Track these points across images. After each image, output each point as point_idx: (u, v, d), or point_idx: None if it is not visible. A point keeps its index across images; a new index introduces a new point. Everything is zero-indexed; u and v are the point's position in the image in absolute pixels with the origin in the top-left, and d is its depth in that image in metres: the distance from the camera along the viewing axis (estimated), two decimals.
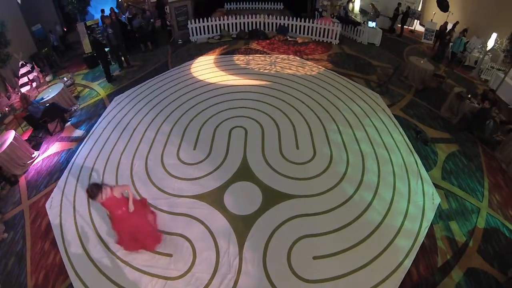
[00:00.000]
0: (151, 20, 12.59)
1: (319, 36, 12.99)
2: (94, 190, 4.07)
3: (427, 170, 6.58)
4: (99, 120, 8.20)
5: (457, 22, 12.38)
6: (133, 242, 4.75)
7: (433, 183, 6.27)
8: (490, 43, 10.76)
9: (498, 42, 10.89)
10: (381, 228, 5.28)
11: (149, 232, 4.84)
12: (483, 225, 5.59)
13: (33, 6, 11.53)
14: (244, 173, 6.29)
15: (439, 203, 5.85)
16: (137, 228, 4.63)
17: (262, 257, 4.82)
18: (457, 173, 6.66)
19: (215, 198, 5.76)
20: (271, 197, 5.75)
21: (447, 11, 13.41)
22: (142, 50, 12.37)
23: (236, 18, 13.17)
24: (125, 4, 15.21)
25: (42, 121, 7.66)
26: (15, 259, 5.08)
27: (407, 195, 5.94)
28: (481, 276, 4.79)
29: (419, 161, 6.77)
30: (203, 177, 6.22)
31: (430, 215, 5.59)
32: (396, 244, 5.05)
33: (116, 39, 10.31)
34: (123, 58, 11.01)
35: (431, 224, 5.45)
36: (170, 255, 4.87)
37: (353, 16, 14.29)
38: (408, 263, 4.80)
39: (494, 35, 10.61)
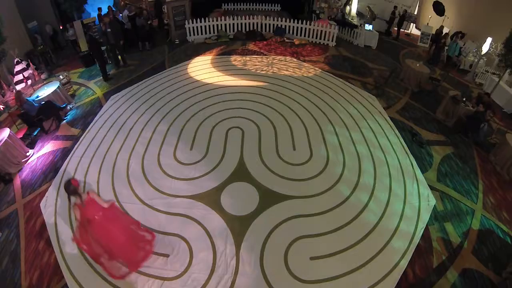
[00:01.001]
0: (148, 20, 12.55)
1: (316, 38, 13.05)
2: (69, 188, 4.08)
3: (423, 172, 6.64)
4: (95, 119, 8.13)
5: (460, 32, 12.41)
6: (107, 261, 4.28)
7: (429, 185, 6.33)
8: (485, 47, 10.91)
9: (493, 47, 11.04)
10: (377, 229, 5.32)
11: (126, 247, 4.41)
12: (477, 226, 5.66)
13: (29, 3, 11.41)
14: (241, 173, 6.29)
15: (435, 205, 5.91)
16: (112, 238, 4.27)
17: (259, 257, 4.82)
18: (452, 175, 6.74)
19: (212, 199, 5.74)
20: (268, 198, 5.76)
21: (443, 15, 13.55)
22: (140, 48, 12.31)
23: (233, 19, 13.17)
24: (122, 2, 15.11)
25: (37, 119, 7.57)
26: (9, 258, 5.01)
27: (403, 197, 5.99)
28: (476, 277, 4.85)
29: (414, 163, 6.83)
30: (200, 177, 6.21)
31: (425, 217, 5.65)
32: (392, 245, 5.09)
33: (114, 38, 10.25)
34: (120, 57, 10.95)
35: (427, 226, 5.50)
36: (166, 256, 4.84)
37: (349, 19, 14.38)
38: (404, 264, 4.85)
39: (489, 40, 10.75)
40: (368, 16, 14.37)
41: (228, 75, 10.01)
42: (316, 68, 10.74)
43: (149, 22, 12.55)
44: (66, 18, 12.86)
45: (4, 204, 6.00)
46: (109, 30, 10.01)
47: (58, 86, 8.65)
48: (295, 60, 11.36)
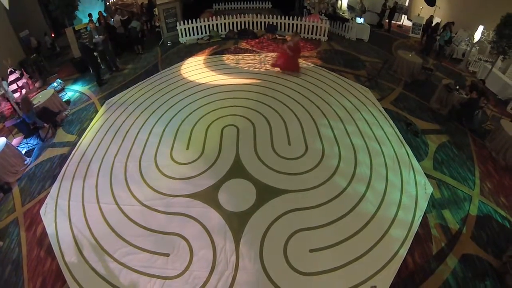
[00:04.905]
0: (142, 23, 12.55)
1: (308, 33, 13.07)
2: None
3: (419, 161, 6.67)
4: (91, 124, 8.15)
5: (452, 23, 12.40)
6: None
7: (425, 173, 6.36)
8: (477, 36, 10.93)
9: (485, 34, 11.06)
10: (375, 219, 5.35)
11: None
12: (475, 212, 5.69)
13: (21, 12, 11.40)
14: (237, 170, 6.31)
15: (432, 193, 5.94)
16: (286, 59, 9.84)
17: (259, 252, 4.85)
18: (448, 163, 6.77)
19: (209, 196, 5.77)
20: (265, 193, 5.79)
21: (434, 5, 13.58)
22: (136, 52, 12.32)
23: (224, 18, 13.18)
24: (113, 7, 15.12)
25: (33, 127, 7.59)
26: (12, 267, 5.03)
27: (400, 186, 6.02)
28: (476, 261, 4.88)
29: (410, 152, 6.86)
30: (197, 176, 6.23)
31: (423, 205, 5.67)
32: (390, 234, 5.12)
33: (101, 44, 10.24)
34: (111, 63, 10.94)
35: (425, 213, 5.53)
36: (167, 255, 4.88)
37: (340, 13, 14.39)
38: (403, 252, 4.88)
39: (480, 28, 10.76)
40: (358, 9, 14.38)
41: (221, 74, 10.02)
42: (309, 63, 10.76)
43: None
44: (57, 25, 12.85)
45: (4, 213, 6.02)
46: (97, 36, 10.00)
47: (53, 94, 8.66)
48: None
